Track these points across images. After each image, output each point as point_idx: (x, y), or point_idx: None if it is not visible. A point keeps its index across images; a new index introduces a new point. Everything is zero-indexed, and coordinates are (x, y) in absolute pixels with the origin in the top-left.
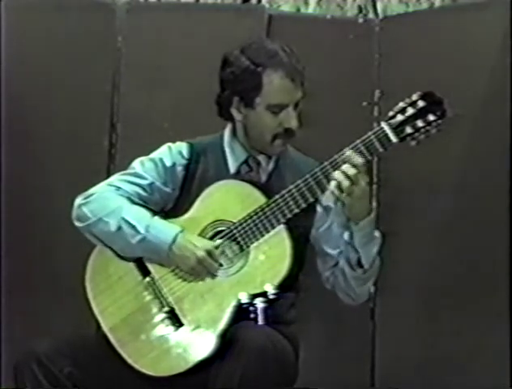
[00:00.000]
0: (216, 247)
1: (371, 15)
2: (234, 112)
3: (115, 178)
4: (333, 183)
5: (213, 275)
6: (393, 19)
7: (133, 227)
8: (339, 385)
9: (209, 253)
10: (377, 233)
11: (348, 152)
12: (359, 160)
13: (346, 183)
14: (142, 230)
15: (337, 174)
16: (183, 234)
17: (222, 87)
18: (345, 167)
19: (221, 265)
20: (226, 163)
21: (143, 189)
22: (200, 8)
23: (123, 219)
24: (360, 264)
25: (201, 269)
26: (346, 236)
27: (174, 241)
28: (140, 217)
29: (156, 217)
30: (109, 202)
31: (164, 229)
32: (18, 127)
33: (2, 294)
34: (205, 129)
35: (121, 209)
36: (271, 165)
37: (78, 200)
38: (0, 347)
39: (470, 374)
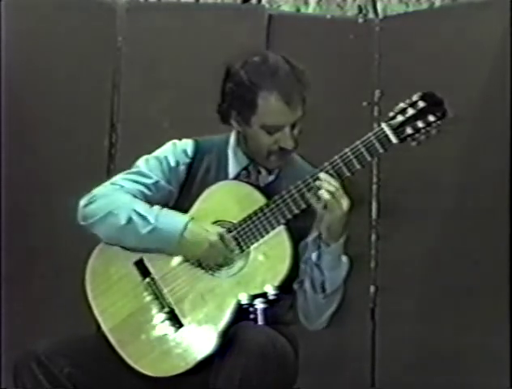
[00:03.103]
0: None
1: (371, 15)
2: (234, 123)
3: (119, 177)
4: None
5: (226, 260)
6: (393, 19)
7: (143, 218)
8: (339, 385)
9: (221, 237)
10: (344, 259)
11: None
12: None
13: (327, 197)
14: (152, 220)
15: (320, 190)
16: (193, 221)
17: (222, 98)
18: (327, 183)
19: (221, 265)
20: (227, 167)
21: (148, 188)
22: (200, 8)
23: (134, 210)
24: (323, 288)
25: (214, 253)
26: (314, 256)
27: (186, 227)
28: (150, 208)
29: (165, 208)
30: (116, 197)
31: (174, 217)
32: (18, 127)
33: (2, 294)
34: (205, 129)
35: (130, 202)
36: (272, 177)
37: (83, 201)
38: (0, 347)
39: (470, 374)
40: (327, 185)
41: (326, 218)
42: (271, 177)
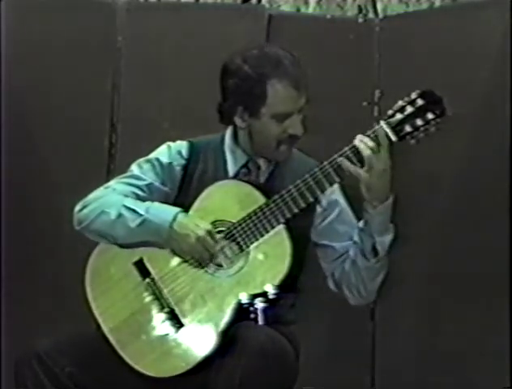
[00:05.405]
0: (218, 232)
1: (371, 15)
2: (237, 120)
3: (112, 182)
4: (346, 162)
5: (213, 258)
6: (393, 19)
7: (133, 211)
8: (339, 385)
9: (209, 232)
10: (391, 225)
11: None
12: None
13: (367, 152)
14: (142, 212)
15: (357, 142)
16: (183, 214)
17: (224, 96)
18: (366, 139)
19: (221, 265)
20: (225, 166)
21: (141, 189)
22: (200, 8)
23: (124, 206)
24: (375, 252)
25: (201, 248)
26: (361, 223)
27: (175, 219)
28: (140, 203)
29: (156, 202)
30: (108, 198)
31: (164, 209)
32: (18, 127)
33: (2, 294)
34: (205, 128)
35: (122, 200)
36: (271, 167)
37: (77, 207)
38: (0, 346)
39: (470, 374)
40: (364, 144)
41: (366, 179)
42: (271, 168)
